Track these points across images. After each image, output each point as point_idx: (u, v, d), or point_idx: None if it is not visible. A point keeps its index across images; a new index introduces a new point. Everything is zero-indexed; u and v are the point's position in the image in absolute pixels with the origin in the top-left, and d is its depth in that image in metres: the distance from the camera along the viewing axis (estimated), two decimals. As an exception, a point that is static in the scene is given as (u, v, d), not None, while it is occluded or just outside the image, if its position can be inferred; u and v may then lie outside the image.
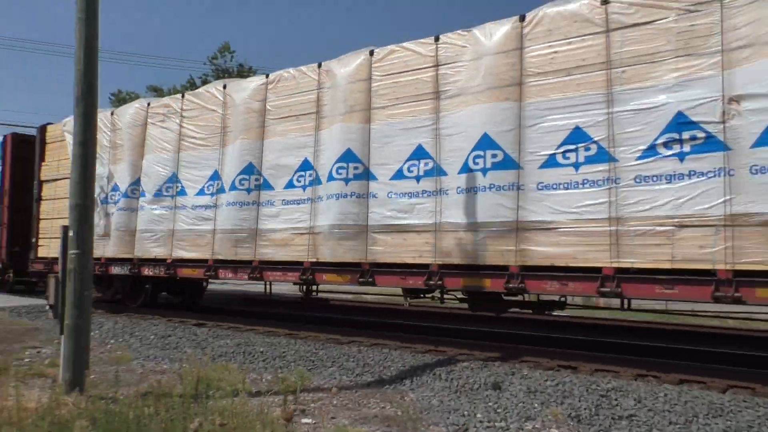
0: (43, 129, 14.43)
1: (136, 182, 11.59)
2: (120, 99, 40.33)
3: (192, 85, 38.50)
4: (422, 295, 9.35)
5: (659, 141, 6.32)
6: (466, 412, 5.57)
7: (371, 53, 8.72)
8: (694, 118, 6.12)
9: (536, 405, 5.73)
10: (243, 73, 37.79)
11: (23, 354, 8.01)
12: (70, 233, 6.11)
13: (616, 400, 5.76)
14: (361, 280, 8.56)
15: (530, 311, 8.96)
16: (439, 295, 9.10)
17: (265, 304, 14.79)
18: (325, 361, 7.77)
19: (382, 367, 7.40)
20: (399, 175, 8.20)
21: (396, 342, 9.01)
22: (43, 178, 14.05)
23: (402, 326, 10.89)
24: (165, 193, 11.07)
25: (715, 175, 5.99)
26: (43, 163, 14.12)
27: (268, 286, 11.81)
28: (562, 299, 8.23)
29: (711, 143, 6.03)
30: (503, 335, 9.93)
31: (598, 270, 6.64)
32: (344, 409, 5.72)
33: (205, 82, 37.63)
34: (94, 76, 6.17)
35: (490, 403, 5.84)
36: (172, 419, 4.39)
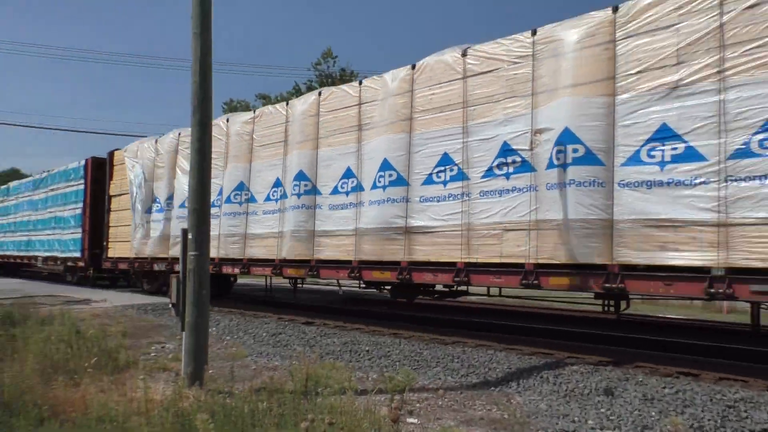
0: (111, 154, 17.80)
1: (170, 197, 14.38)
2: (231, 107, 42.47)
3: (297, 91, 39.87)
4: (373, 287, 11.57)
5: (494, 164, 8.14)
6: (576, 418, 5.35)
7: (319, 94, 10.93)
8: (515, 147, 7.92)
9: (653, 413, 5.41)
10: (345, 77, 38.63)
11: (149, 349, 8.60)
12: (189, 236, 6.49)
13: (745, 412, 5.32)
14: (309, 273, 10.78)
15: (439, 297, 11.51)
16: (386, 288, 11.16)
17: (368, 303, 15.02)
18: (430, 361, 7.76)
19: (487, 369, 7.28)
20: (335, 191, 10.40)
21: (501, 343, 8.84)
22: (111, 193, 17.54)
23: (506, 327, 10.67)
24: (187, 205, 12.73)
25: (527, 191, 7.75)
26: (111, 182, 17.57)
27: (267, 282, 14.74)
28: (462, 288, 9.77)
29: (525, 166, 7.81)
30: (614, 339, 9.46)
31: (455, 264, 8.55)
32: (450, 410, 5.67)
33: (310, 88, 38.95)
34: (208, 86, 6.51)
35: (602, 410, 5.58)
36: (283, 414, 4.54)
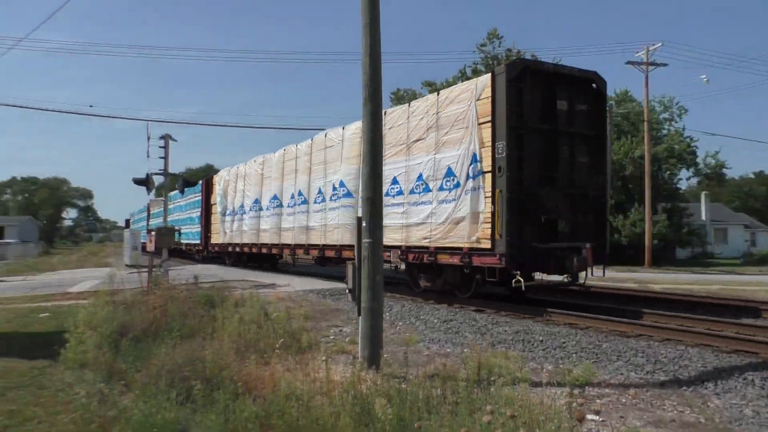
0: (211, 176, 28.10)
1: (233, 206, 23.99)
2: (399, 97, 43.40)
3: (463, 75, 39.62)
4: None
5: (294, 198, 18.07)
6: (791, 428, 4.71)
7: (284, 150, 19.61)
8: (302, 192, 17.67)
9: None
10: (510, 56, 37.70)
11: (328, 332, 9.11)
12: (363, 224, 6.71)
13: None
14: (277, 252, 20.48)
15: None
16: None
17: (542, 291, 14.55)
18: (610, 355, 7.31)
19: (677, 366, 6.69)
20: (279, 206, 19.47)
21: (693, 338, 8.07)
22: (212, 203, 27.42)
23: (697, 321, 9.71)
24: (240, 212, 23.15)
25: (306, 213, 17.25)
26: (212, 195, 27.37)
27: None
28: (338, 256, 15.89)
29: (304, 202, 17.45)
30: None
31: (319, 244, 16.76)
32: (634, 409, 5.29)
33: (475, 71, 38.64)
34: (378, 78, 6.67)
35: (826, 421, 4.85)
36: (457, 403, 4.53)
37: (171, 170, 15.61)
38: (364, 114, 6.75)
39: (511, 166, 10.41)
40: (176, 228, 17.34)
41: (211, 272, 20.86)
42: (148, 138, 14.90)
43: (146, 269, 12.42)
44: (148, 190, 15.20)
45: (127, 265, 25.95)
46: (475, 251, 10.96)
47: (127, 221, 61.89)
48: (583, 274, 11.15)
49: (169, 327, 7.60)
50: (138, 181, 14.86)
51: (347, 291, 7.18)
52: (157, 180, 15.83)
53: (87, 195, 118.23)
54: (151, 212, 42.45)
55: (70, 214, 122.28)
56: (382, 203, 6.84)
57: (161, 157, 15.29)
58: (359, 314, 6.62)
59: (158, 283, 10.61)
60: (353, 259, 13.63)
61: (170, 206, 36.04)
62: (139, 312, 8.50)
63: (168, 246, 14.54)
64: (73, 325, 7.62)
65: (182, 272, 17.66)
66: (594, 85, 11.77)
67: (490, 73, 11.02)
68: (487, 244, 10.65)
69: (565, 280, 11.39)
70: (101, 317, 8.13)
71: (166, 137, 15.25)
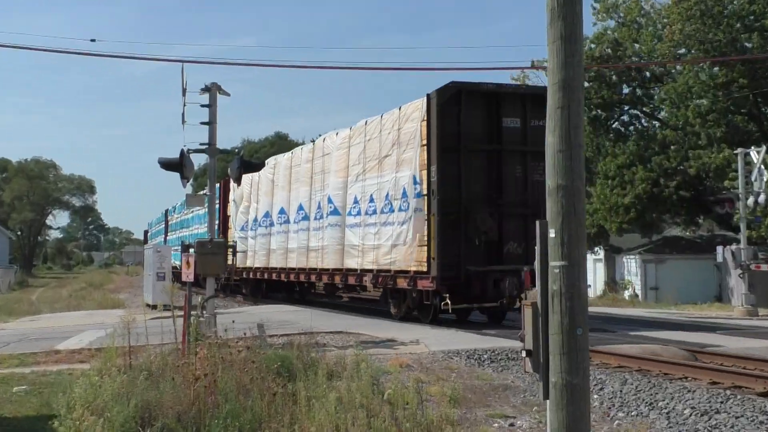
0: (226, 182, 41.36)
1: (247, 222, 39.87)
2: (606, 8, 42.92)
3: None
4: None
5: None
6: None
7: (275, 159, 40.52)
8: (303, 207, 33.74)
9: None
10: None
11: (489, 427, 9.05)
12: (551, 233, 6.51)
13: None
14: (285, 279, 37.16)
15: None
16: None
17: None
18: None
19: None
20: (286, 222, 36.89)
21: None
22: (227, 214, 41.96)
23: None
24: (254, 226, 40.19)
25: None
26: (228, 204, 41.98)
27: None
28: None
29: (306, 218, 33.34)
30: None
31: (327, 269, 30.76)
32: None
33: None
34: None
35: None
36: None
37: (220, 145, 15.87)
38: (548, 40, 6.61)
39: (444, 189, 16.57)
40: (230, 242, 18.14)
41: (283, 317, 21.61)
42: (184, 91, 15.17)
43: (181, 313, 12.90)
44: (184, 177, 15.35)
45: (148, 306, 27.01)
46: (418, 274, 18.38)
47: (146, 233, 65.71)
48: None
49: (220, 412, 7.86)
50: (167, 164, 15.16)
51: (523, 353, 7.03)
52: (197, 161, 16.41)
53: (85, 188, 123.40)
54: (170, 222, 47.81)
55: (58, 220, 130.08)
56: (583, 197, 6.66)
57: (204, 123, 15.60)
58: (546, 396, 6.48)
59: (202, 337, 11.04)
60: (341, 286, 32.74)
61: (188, 215, 46.04)
62: (171, 386, 8.87)
63: (217, 273, 15.02)
64: (66, 407, 8.03)
65: (239, 317, 18.27)
66: None
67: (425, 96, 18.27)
68: (424, 267, 17.62)
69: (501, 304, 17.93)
70: (110, 393, 8.54)
71: (213, 88, 15.38)
